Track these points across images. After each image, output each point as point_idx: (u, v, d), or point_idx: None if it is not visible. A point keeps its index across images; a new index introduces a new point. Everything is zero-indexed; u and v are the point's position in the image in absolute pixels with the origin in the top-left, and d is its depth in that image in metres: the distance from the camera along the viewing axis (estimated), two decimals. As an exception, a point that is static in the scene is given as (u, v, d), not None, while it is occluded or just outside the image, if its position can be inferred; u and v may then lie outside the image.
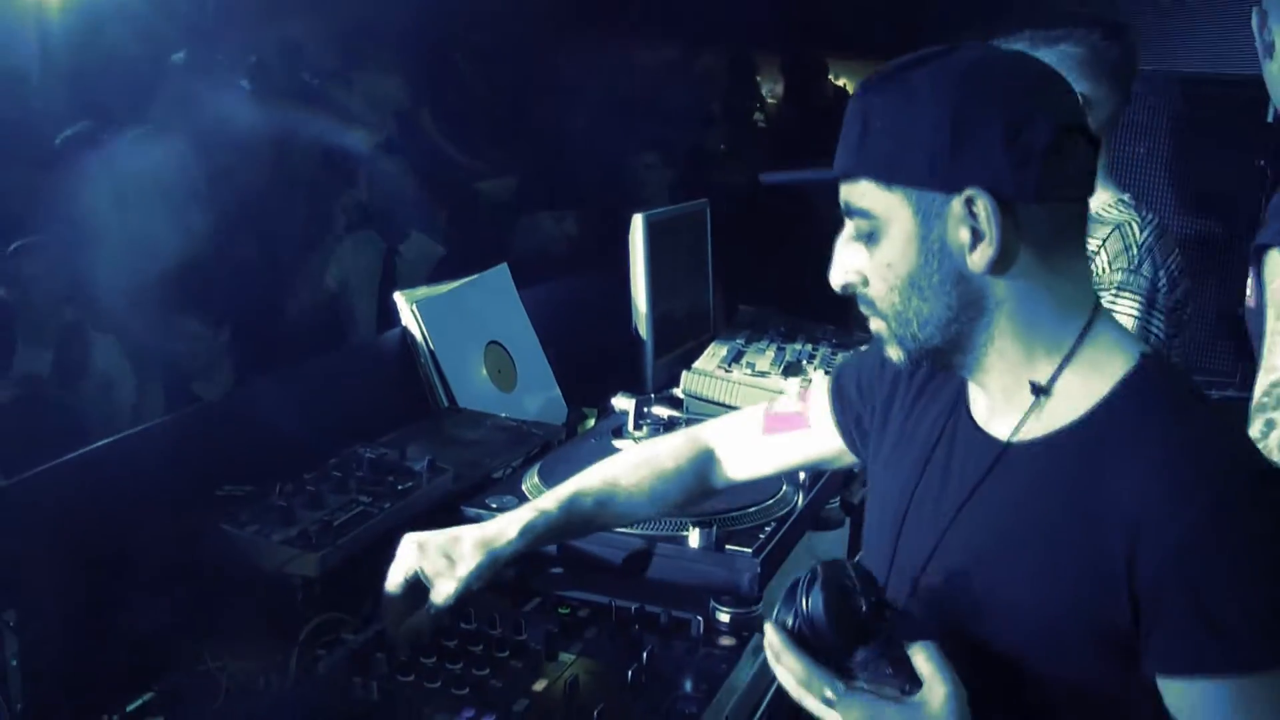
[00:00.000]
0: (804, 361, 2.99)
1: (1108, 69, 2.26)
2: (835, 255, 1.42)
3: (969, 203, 1.28)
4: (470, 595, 1.66)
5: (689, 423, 2.33)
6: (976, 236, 1.29)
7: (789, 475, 2.10)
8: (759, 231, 4.24)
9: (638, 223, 2.94)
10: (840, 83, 6.73)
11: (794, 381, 2.82)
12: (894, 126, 1.31)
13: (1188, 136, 3.04)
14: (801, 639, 1.30)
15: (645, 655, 1.65)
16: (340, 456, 2.10)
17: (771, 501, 2.00)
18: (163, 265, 3.46)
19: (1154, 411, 1.29)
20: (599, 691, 1.62)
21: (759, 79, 6.44)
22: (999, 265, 1.30)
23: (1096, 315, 1.36)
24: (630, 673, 1.62)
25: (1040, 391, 1.35)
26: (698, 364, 2.92)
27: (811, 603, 1.29)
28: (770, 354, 3.05)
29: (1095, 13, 2.31)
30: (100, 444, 1.91)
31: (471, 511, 1.96)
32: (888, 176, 1.32)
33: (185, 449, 2.03)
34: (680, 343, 3.15)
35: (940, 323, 1.35)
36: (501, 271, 2.92)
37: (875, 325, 1.43)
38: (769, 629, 1.33)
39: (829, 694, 1.28)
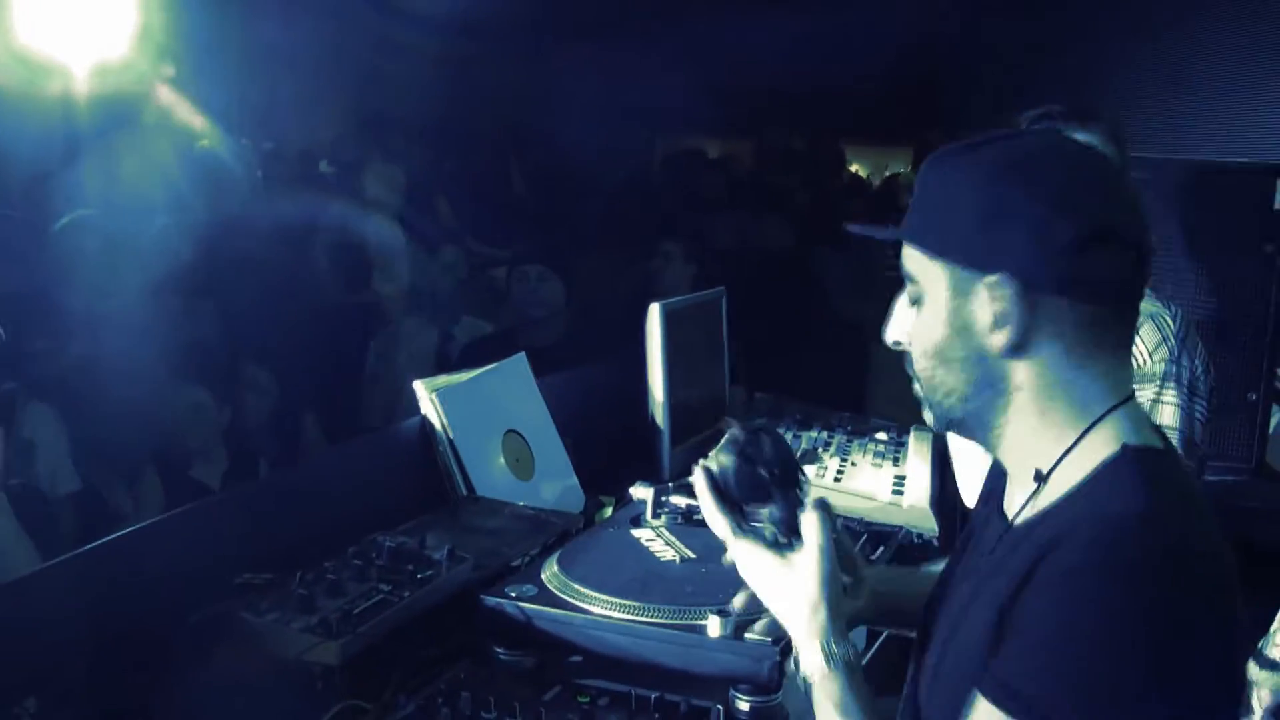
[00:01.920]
0: (820, 449, 3.00)
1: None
2: (894, 313, 1.55)
3: (995, 286, 1.32)
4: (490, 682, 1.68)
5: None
6: (999, 320, 1.33)
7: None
8: (775, 319, 4.28)
9: (654, 311, 2.97)
10: (854, 169, 6.82)
11: (811, 470, 2.83)
12: (941, 201, 1.38)
13: (1196, 225, 3.07)
14: (716, 483, 1.63)
15: (665, 744, 1.65)
16: (360, 545, 2.10)
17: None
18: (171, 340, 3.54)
19: (1102, 498, 1.31)
20: (619, 781, 1.61)
21: (776, 165, 6.52)
22: (1018, 350, 1.34)
23: (1110, 414, 1.37)
24: (650, 762, 1.61)
25: (1041, 479, 1.38)
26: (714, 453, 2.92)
27: (720, 462, 1.65)
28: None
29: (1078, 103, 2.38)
30: (120, 534, 1.93)
31: (490, 600, 1.96)
32: (930, 247, 1.39)
33: (205, 538, 2.04)
34: (697, 431, 3.15)
35: (959, 396, 1.41)
36: (519, 360, 2.94)
37: (916, 387, 1.50)
38: (697, 468, 1.63)
39: (725, 530, 1.60)
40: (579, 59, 5.54)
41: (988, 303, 1.34)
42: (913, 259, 1.42)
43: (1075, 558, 1.23)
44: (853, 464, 2.92)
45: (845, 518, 2.54)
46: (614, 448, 3.00)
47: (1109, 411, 1.37)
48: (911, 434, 3.15)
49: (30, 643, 1.66)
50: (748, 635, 1.83)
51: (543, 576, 2.04)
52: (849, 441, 3.11)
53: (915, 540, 2.61)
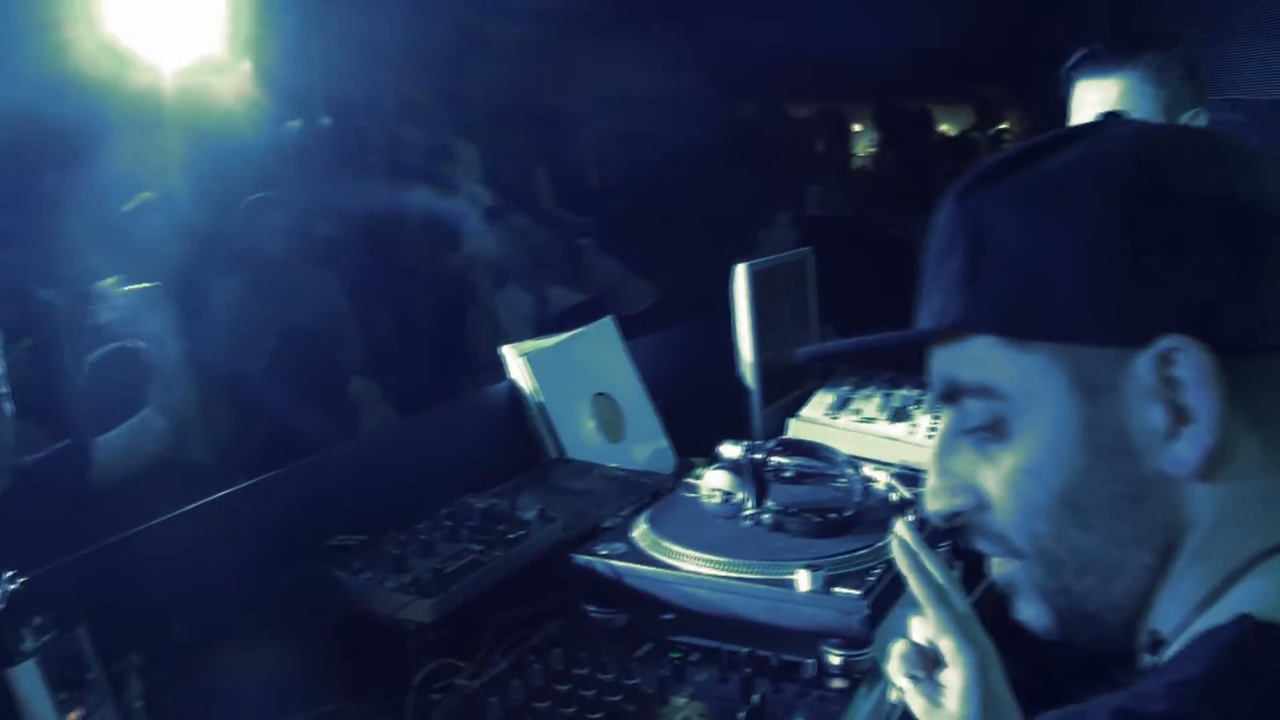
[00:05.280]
0: (911, 407, 2.96)
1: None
2: (934, 464, 0.96)
3: (1165, 358, 0.83)
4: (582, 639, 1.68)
5: (798, 470, 2.33)
6: (1180, 416, 0.83)
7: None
8: (863, 278, 4.24)
9: (741, 272, 2.95)
10: (943, 128, 6.72)
11: (902, 427, 2.80)
12: (1030, 247, 0.87)
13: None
14: None
15: (757, 698, 1.64)
16: (452, 507, 2.12)
17: (881, 544, 1.97)
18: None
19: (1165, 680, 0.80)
20: (711, 734, 1.61)
21: (857, 128, 6.46)
22: (1216, 460, 0.83)
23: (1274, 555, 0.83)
24: (742, 716, 1.61)
25: (1159, 644, 0.88)
26: (804, 411, 2.90)
27: None
28: (877, 400, 3.02)
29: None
30: (220, 495, 1.96)
31: (581, 559, 1.97)
32: (1021, 327, 0.88)
33: (298, 501, 2.08)
34: (787, 391, 3.14)
35: (1106, 567, 0.88)
36: (607, 325, 2.95)
37: (1000, 568, 0.96)
38: (900, 524, 1.39)
39: (963, 606, 1.30)
40: (649, 32, 5.53)
41: (1155, 391, 0.83)
42: (975, 358, 0.90)
43: None
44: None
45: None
46: (705, 409, 2.99)
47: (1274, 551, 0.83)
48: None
49: (133, 600, 1.70)
50: (836, 589, 1.81)
51: (632, 535, 2.04)
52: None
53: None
